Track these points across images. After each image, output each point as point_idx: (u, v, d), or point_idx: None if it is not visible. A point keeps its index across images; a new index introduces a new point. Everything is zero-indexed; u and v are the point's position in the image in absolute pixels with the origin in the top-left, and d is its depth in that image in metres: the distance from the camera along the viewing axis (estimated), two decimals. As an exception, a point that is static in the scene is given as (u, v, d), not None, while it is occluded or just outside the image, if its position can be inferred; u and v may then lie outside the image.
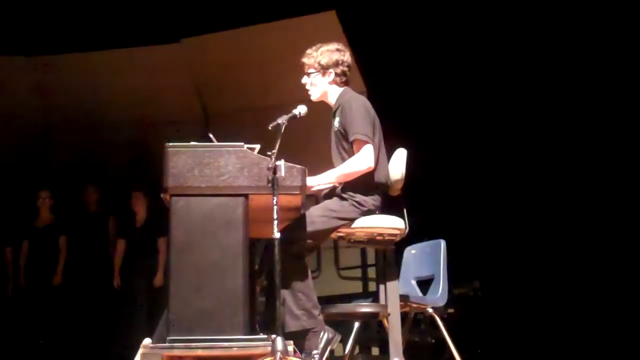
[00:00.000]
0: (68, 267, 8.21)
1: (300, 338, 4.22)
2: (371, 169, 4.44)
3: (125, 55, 8.84)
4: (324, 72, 4.62)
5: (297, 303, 4.25)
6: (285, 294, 4.21)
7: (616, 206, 7.50)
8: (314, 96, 4.66)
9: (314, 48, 4.65)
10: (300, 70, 4.71)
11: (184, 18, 8.63)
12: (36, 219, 8.35)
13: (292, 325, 4.23)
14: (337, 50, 4.63)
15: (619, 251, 7.35)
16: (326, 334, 4.27)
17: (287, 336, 3.89)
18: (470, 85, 8.06)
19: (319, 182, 4.40)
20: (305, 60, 4.65)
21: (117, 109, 9.07)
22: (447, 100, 8.11)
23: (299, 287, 4.27)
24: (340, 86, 4.66)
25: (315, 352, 4.20)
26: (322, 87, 4.64)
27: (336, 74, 4.62)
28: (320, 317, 4.33)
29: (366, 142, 4.42)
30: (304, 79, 4.67)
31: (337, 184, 4.49)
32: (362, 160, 4.41)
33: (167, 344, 3.74)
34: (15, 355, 7.83)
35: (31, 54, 8.96)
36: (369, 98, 4.74)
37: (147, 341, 3.84)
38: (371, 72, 7.96)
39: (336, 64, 4.61)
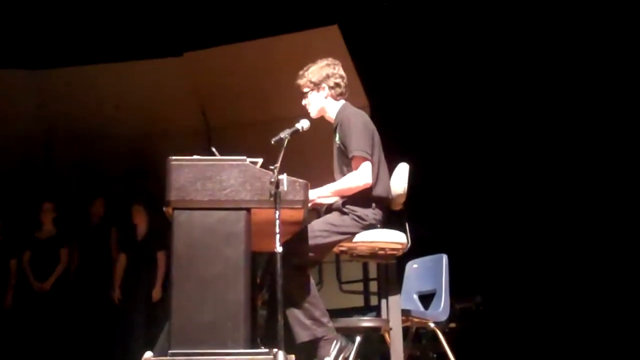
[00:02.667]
0: (69, 278, 8.20)
1: (308, 352, 4.22)
2: (368, 186, 4.46)
3: (127, 69, 8.86)
4: (318, 88, 4.68)
5: (305, 313, 4.27)
6: (292, 306, 4.22)
7: (619, 219, 7.49)
8: (312, 113, 4.72)
9: (304, 69, 4.73)
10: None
11: (187, 32, 8.65)
12: (39, 231, 8.35)
13: (304, 336, 4.25)
14: (327, 65, 4.70)
15: (623, 266, 7.34)
16: (339, 343, 4.29)
17: (295, 351, 3.89)
18: (472, 100, 8.07)
19: (316, 195, 4.42)
20: (299, 81, 4.72)
21: (119, 121, 9.08)
22: (450, 114, 8.11)
23: (304, 298, 4.29)
24: (337, 99, 4.70)
25: (327, 359, 4.21)
26: (318, 103, 4.69)
27: (329, 87, 4.67)
28: (331, 325, 4.34)
29: (365, 159, 4.45)
30: (303, 101, 4.73)
31: (338, 199, 4.50)
32: (360, 177, 4.44)
33: (168, 357, 3.74)
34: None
35: (33, 67, 8.98)
36: (372, 112, 4.79)
37: (148, 354, 3.84)
38: (373, 86, 7.98)
39: (326, 77, 4.66)
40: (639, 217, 7.41)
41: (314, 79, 4.66)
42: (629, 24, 7.52)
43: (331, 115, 4.70)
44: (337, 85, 4.68)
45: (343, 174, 4.55)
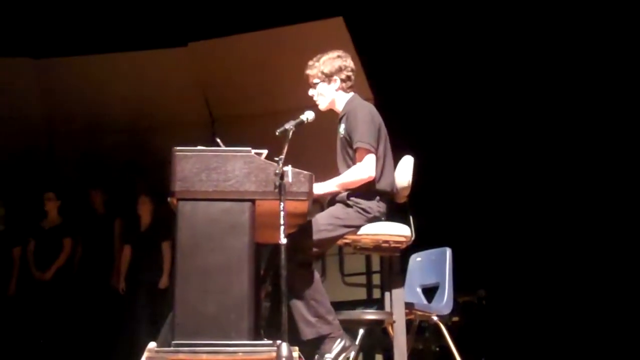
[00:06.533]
0: (72, 268, 8.21)
1: (313, 345, 4.22)
2: (372, 178, 4.44)
3: (132, 59, 8.85)
4: (329, 80, 4.63)
5: (310, 310, 4.26)
6: (296, 302, 4.22)
7: (621, 213, 7.49)
8: (322, 106, 4.67)
9: (315, 59, 4.67)
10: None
11: (192, 22, 8.64)
12: (44, 220, 8.35)
13: (308, 333, 4.24)
14: (339, 56, 4.65)
15: (625, 259, 7.34)
16: (343, 341, 4.28)
17: (299, 343, 3.88)
18: (477, 93, 8.06)
19: (321, 190, 4.40)
20: (308, 72, 4.66)
21: (123, 112, 9.08)
22: (455, 107, 8.10)
23: (309, 294, 4.27)
24: (347, 92, 4.67)
25: (328, 355, 4.20)
26: (329, 95, 4.65)
27: (341, 80, 4.63)
28: (336, 322, 4.33)
29: (369, 151, 4.43)
30: (311, 91, 4.68)
31: (341, 191, 4.49)
32: (363, 170, 4.42)
33: (172, 348, 3.74)
34: (17, 357, 7.81)
35: (37, 57, 8.97)
36: (376, 105, 4.74)
37: (152, 345, 3.84)
38: (378, 79, 7.95)
39: (339, 70, 4.62)
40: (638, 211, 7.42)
41: (326, 70, 4.60)
42: (629, 24, 7.50)
43: (339, 107, 4.66)
44: (349, 78, 4.64)
45: (347, 165, 4.53)
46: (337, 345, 4.25)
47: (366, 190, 4.47)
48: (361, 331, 4.64)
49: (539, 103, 7.90)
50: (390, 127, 4.67)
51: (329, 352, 4.22)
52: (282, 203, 3.84)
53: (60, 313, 7.95)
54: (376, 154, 4.46)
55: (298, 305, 4.24)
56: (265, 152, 4.07)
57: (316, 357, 4.23)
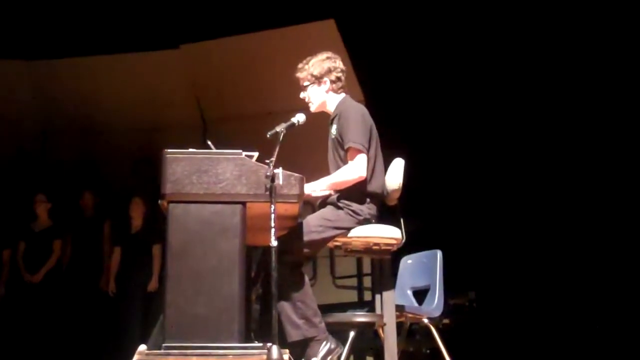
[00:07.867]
0: (61, 270, 8.19)
1: (303, 347, 4.23)
2: (362, 179, 4.45)
3: (124, 61, 8.84)
4: (319, 82, 4.64)
5: (297, 312, 4.26)
6: (284, 304, 4.22)
7: (611, 216, 7.51)
8: (313, 107, 4.67)
9: (304, 62, 4.68)
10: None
11: (184, 24, 8.64)
12: (34, 222, 8.33)
13: (294, 335, 4.25)
14: (327, 58, 4.66)
15: (615, 262, 7.37)
16: (328, 344, 4.29)
17: (288, 346, 3.88)
18: (468, 95, 8.08)
19: (311, 189, 4.40)
20: (298, 75, 4.68)
21: (115, 114, 9.07)
22: (445, 110, 8.12)
23: (297, 296, 4.27)
24: (338, 93, 4.67)
25: (314, 359, 4.21)
26: (320, 97, 4.65)
27: (331, 81, 4.64)
28: (322, 325, 4.34)
29: (360, 151, 4.43)
30: (302, 94, 4.68)
31: (332, 192, 4.50)
32: (354, 170, 4.43)
33: (162, 351, 3.74)
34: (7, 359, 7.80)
35: (30, 58, 8.96)
36: (367, 107, 4.75)
37: (142, 348, 3.84)
38: (369, 81, 7.97)
39: (329, 71, 4.63)
40: (631, 212, 7.43)
41: (315, 73, 4.61)
42: (629, 24, 7.52)
43: (330, 108, 4.67)
44: (339, 79, 4.65)
45: (338, 167, 4.54)
46: (323, 348, 4.26)
47: (357, 192, 4.48)
48: (352, 333, 4.64)
49: (529, 106, 7.92)
50: (381, 129, 4.68)
51: (315, 355, 4.23)
52: (272, 205, 3.84)
53: (50, 316, 7.93)
54: (367, 155, 4.47)
55: (285, 307, 4.24)
56: (256, 154, 4.08)
57: None
